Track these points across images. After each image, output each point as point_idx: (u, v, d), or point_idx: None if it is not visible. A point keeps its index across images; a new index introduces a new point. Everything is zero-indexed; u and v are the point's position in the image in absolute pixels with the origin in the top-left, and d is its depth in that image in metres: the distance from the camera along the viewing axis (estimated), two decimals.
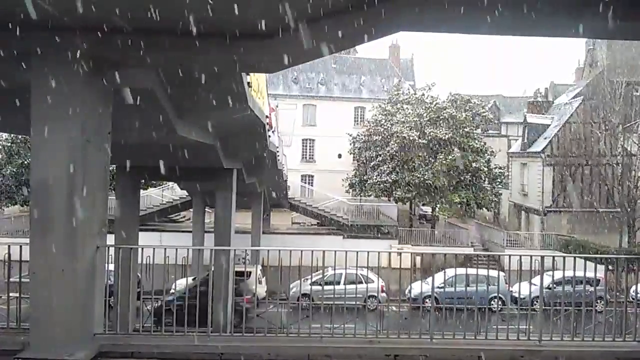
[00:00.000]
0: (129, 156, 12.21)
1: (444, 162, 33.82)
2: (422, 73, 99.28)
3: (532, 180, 38.90)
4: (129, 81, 5.98)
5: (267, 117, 14.65)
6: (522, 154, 41.30)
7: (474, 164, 34.71)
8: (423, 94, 38.85)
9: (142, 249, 6.99)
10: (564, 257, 8.22)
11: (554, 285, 8.60)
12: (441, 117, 35.43)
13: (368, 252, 6.85)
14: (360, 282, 12.63)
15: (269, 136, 16.63)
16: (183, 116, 9.08)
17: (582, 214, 35.15)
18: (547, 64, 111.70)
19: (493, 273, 10.25)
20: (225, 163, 14.58)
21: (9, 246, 6.72)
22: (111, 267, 6.76)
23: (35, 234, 5.70)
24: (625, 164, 32.29)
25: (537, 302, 8.42)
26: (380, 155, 36.08)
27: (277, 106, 28.46)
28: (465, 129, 35.29)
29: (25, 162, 29.72)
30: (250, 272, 20.96)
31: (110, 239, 7.12)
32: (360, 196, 38.69)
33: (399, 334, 6.75)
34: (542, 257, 7.36)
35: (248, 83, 9.60)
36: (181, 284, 20.17)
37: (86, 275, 5.79)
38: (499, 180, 37.42)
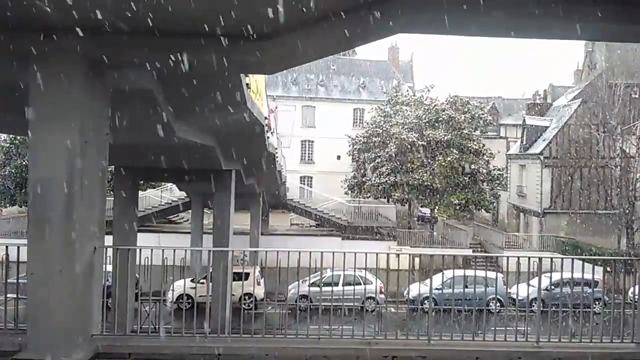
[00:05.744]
0: (128, 157, 12.20)
1: (443, 163, 33.84)
2: (421, 75, 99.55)
3: (531, 182, 38.91)
4: (127, 82, 5.99)
5: (266, 118, 14.63)
6: (520, 155, 41.34)
7: (472, 166, 34.71)
8: (422, 96, 38.93)
9: (141, 250, 6.98)
10: (562, 259, 8.22)
11: (552, 287, 8.61)
12: (440, 119, 35.46)
13: (366, 253, 6.86)
14: (359, 284, 12.64)
15: (268, 137, 16.62)
16: (182, 117, 9.07)
17: (580, 215, 35.16)
18: (546, 66, 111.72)
19: (491, 274, 10.28)
20: (224, 164, 14.57)
21: (6, 247, 6.72)
22: (109, 268, 6.76)
23: (33, 234, 5.69)
24: (623, 166, 32.29)
25: (535, 303, 8.42)
26: (379, 157, 36.06)
27: (276, 107, 28.42)
28: (464, 131, 35.29)
29: (24, 163, 29.69)
30: (248, 273, 20.97)
31: (109, 240, 7.10)
32: (359, 198, 38.67)
33: (397, 335, 6.75)
34: (540, 259, 7.36)
35: (247, 84, 9.60)
36: (179, 285, 20.26)
37: (84, 276, 5.78)
38: (497, 181, 37.42)
